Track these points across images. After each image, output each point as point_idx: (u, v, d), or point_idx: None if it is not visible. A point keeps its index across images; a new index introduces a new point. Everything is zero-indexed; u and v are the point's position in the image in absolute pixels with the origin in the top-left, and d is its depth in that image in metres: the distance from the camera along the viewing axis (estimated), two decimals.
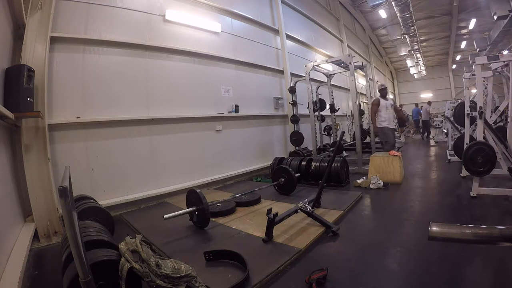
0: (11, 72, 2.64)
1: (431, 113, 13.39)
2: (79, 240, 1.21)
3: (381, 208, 3.50)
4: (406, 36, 13.37)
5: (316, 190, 3.13)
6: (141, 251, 1.58)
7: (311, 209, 2.74)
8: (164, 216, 2.64)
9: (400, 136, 11.51)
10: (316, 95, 7.01)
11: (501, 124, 4.89)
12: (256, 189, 3.86)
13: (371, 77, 13.91)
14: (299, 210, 2.76)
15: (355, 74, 5.73)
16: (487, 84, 4.09)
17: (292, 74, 7.21)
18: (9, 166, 2.72)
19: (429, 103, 13.09)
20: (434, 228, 0.99)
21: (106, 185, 3.72)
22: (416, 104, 14.87)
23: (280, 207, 3.23)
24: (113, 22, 4.01)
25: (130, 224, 3.25)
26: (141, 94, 4.24)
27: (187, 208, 2.96)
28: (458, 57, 20.90)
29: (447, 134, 7.95)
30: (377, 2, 10.40)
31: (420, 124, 12.69)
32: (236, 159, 5.61)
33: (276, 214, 2.50)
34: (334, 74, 7.39)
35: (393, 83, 26.01)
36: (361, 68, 6.40)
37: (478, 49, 14.44)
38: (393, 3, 10.05)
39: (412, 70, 20.76)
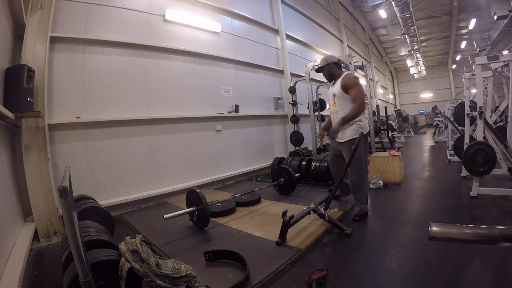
0: (11, 72, 2.64)
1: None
2: (79, 240, 1.20)
3: (381, 208, 3.50)
4: (406, 36, 13.39)
5: (317, 190, 3.13)
6: (141, 251, 1.58)
7: (324, 211, 2.68)
8: (164, 216, 2.64)
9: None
10: (316, 95, 7.01)
11: (501, 124, 4.89)
12: (256, 189, 3.85)
13: (371, 77, 13.90)
14: (311, 212, 2.68)
15: (355, 74, 5.72)
16: (487, 84, 4.09)
17: (292, 74, 7.21)
18: (9, 166, 2.72)
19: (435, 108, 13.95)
20: (434, 228, 0.99)
21: (106, 185, 3.72)
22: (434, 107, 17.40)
23: (281, 207, 3.23)
24: (113, 22, 4.01)
25: (130, 224, 3.25)
26: (141, 94, 4.24)
27: (187, 208, 2.96)
28: (458, 57, 20.93)
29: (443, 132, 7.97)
30: (377, 2, 10.42)
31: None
32: (236, 159, 5.61)
33: (292, 217, 2.42)
34: None
35: (393, 83, 26.01)
36: (361, 68, 6.41)
37: (478, 49, 14.46)
38: (393, 3, 10.06)
39: (412, 70, 20.79)
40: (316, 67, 3.15)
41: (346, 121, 2.82)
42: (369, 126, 6.47)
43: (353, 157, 2.71)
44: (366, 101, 11.54)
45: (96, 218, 2.50)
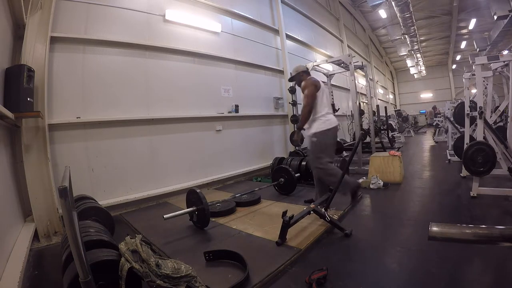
0: (11, 72, 2.64)
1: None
2: (79, 240, 1.21)
3: (381, 208, 3.50)
4: (406, 36, 13.39)
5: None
6: (141, 251, 1.58)
7: (324, 211, 2.67)
8: (164, 216, 2.64)
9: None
10: None
11: (501, 124, 4.89)
12: (256, 189, 3.86)
13: (371, 77, 13.90)
14: (311, 212, 2.67)
15: (355, 74, 5.72)
16: (487, 84, 4.09)
17: None
18: (9, 166, 2.72)
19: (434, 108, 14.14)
20: (434, 228, 0.99)
21: (106, 185, 3.72)
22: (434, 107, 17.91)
23: (281, 207, 3.23)
24: (113, 22, 4.01)
25: (130, 224, 3.25)
26: (141, 94, 4.24)
27: (187, 208, 2.96)
28: (458, 57, 20.92)
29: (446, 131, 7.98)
30: (377, 2, 10.41)
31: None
32: (236, 159, 5.61)
33: (292, 217, 2.43)
34: (334, 74, 7.39)
35: (393, 83, 26.01)
36: (361, 68, 6.39)
37: (478, 49, 14.45)
38: (393, 3, 10.06)
39: (412, 70, 20.78)
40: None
41: (299, 128, 3.22)
42: (369, 126, 6.39)
43: (316, 153, 3.07)
44: (366, 101, 11.47)
45: (96, 218, 2.50)
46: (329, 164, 3.09)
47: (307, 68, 3.41)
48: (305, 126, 3.19)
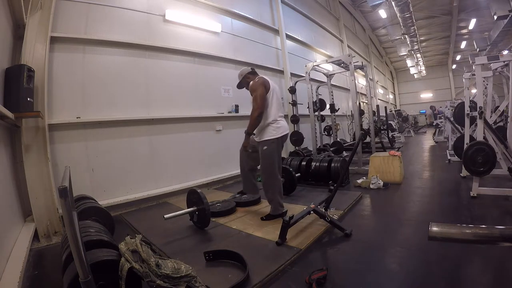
0: (11, 72, 2.64)
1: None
2: (79, 240, 1.20)
3: (381, 208, 3.50)
4: (406, 36, 13.40)
5: (317, 190, 3.13)
6: (141, 251, 1.58)
7: (324, 211, 2.68)
8: (165, 216, 2.65)
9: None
10: (316, 95, 7.01)
11: (501, 124, 4.89)
12: None
13: (371, 77, 13.90)
14: (311, 212, 2.67)
15: (355, 74, 5.72)
16: (487, 84, 4.09)
17: (292, 74, 7.20)
18: (9, 166, 2.72)
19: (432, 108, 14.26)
20: (434, 228, 0.99)
21: (106, 185, 3.72)
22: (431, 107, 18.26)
23: None
24: (113, 22, 4.01)
25: (130, 224, 3.25)
26: (141, 94, 4.24)
27: (187, 208, 2.96)
28: (458, 57, 20.93)
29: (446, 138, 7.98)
30: (377, 2, 10.42)
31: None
32: (236, 159, 5.50)
33: (292, 217, 2.43)
34: (334, 74, 7.39)
35: (393, 83, 26.01)
36: (361, 68, 6.39)
37: (478, 49, 14.46)
38: (393, 3, 10.07)
39: (412, 70, 20.79)
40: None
41: (248, 133, 2.87)
42: (369, 126, 6.37)
43: (266, 161, 2.87)
44: (366, 101, 11.48)
45: (96, 218, 2.50)
46: (275, 174, 2.96)
47: (253, 69, 3.20)
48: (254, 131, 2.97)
